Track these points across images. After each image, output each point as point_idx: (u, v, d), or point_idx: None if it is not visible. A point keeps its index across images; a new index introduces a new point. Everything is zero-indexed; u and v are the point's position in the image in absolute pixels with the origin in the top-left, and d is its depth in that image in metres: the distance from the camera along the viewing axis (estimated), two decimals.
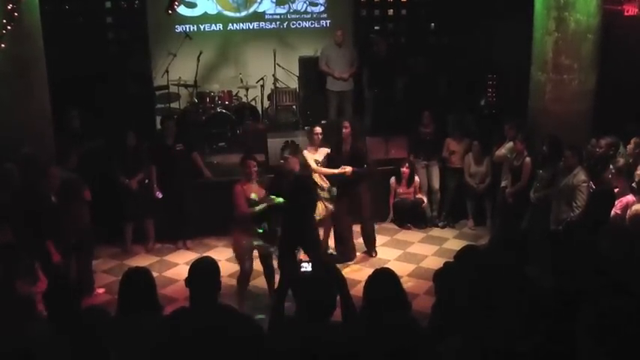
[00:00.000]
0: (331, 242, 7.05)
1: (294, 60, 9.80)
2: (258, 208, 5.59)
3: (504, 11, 8.69)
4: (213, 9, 9.89)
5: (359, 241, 7.21)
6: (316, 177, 6.72)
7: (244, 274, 5.75)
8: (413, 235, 7.73)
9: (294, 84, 9.84)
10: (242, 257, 5.72)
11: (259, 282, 6.12)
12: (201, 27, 9.83)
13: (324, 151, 6.82)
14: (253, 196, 5.64)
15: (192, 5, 9.78)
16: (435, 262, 6.50)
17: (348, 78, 8.98)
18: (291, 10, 10.17)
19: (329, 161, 6.78)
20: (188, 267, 3.21)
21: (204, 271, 3.15)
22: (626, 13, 7.52)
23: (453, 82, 9.41)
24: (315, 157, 6.78)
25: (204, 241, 7.48)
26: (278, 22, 10.14)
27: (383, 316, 3.03)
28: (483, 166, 7.70)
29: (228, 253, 7.14)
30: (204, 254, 6.36)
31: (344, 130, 6.80)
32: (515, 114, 7.40)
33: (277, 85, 9.63)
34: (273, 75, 9.54)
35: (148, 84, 9.40)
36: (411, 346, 2.61)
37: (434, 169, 7.97)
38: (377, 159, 8.04)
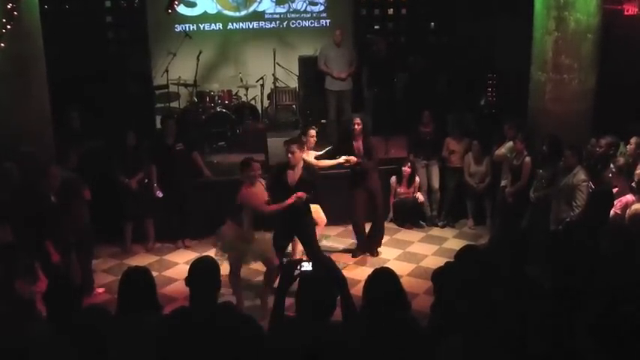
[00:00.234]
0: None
1: (294, 59, 9.81)
2: None
3: (504, 11, 8.70)
4: (212, 8, 9.89)
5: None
6: None
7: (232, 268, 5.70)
8: (413, 235, 7.73)
9: (293, 83, 9.84)
10: (228, 250, 5.66)
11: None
12: (201, 26, 9.84)
13: (313, 154, 6.76)
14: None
15: (192, 4, 9.78)
16: (434, 262, 6.50)
17: (346, 78, 8.97)
18: (291, 10, 10.17)
19: (331, 159, 6.75)
20: (188, 266, 3.21)
21: (204, 271, 3.15)
22: (626, 13, 7.52)
23: (452, 82, 9.41)
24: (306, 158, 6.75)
25: (204, 241, 7.46)
26: (278, 22, 10.14)
27: (383, 316, 3.03)
28: (483, 165, 7.70)
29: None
30: (204, 253, 6.39)
31: (356, 127, 6.75)
32: (515, 113, 7.40)
33: (277, 84, 9.63)
34: (273, 74, 9.55)
35: (147, 83, 9.40)
36: (411, 346, 2.61)
37: (434, 169, 7.97)
38: (378, 158, 8.05)
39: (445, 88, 9.45)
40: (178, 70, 9.25)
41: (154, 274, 3.46)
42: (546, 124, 6.83)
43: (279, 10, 10.13)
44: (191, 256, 6.69)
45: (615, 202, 5.15)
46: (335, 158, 6.66)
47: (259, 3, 10.04)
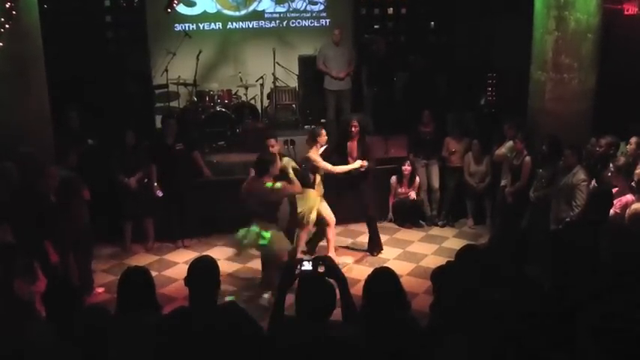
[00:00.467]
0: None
1: (294, 59, 9.80)
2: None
3: (504, 10, 8.69)
4: (212, 8, 9.88)
5: (359, 240, 7.20)
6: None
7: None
8: (412, 234, 7.73)
9: (293, 83, 9.84)
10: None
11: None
12: (201, 26, 9.83)
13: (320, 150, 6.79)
14: (269, 185, 5.70)
15: (192, 4, 9.77)
16: (434, 261, 6.49)
17: (345, 77, 8.97)
18: (291, 9, 10.17)
19: (324, 159, 6.74)
20: (187, 266, 3.20)
21: (203, 270, 3.14)
22: (626, 12, 7.52)
23: (452, 81, 9.40)
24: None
25: (204, 240, 7.48)
26: (277, 21, 10.14)
27: (382, 316, 3.02)
28: (483, 165, 7.69)
29: (228, 252, 7.15)
30: (204, 253, 6.39)
31: (353, 129, 6.76)
32: (514, 113, 7.39)
33: (277, 83, 9.62)
34: (273, 74, 9.54)
35: (147, 83, 9.39)
36: (411, 345, 2.60)
37: (433, 168, 7.96)
38: (376, 158, 8.04)
39: (445, 88, 9.45)
40: (178, 69, 9.24)
41: (154, 273, 3.46)
42: (546, 123, 6.82)
43: (279, 9, 10.12)
44: (191, 255, 6.68)
45: (615, 202, 5.14)
46: (331, 157, 6.67)
47: (259, 2, 10.03)
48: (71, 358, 2.92)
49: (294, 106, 9.68)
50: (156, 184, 7.08)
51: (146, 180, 7.08)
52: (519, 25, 7.46)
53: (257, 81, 9.53)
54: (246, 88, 9.48)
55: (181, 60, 9.25)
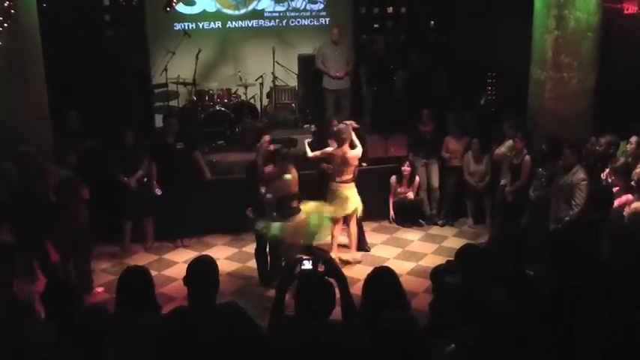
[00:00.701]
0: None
1: (293, 58, 9.79)
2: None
3: (504, 9, 8.68)
4: (212, 7, 9.86)
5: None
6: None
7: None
8: (412, 234, 7.73)
9: (293, 82, 9.83)
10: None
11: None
12: (200, 25, 9.81)
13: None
14: (287, 176, 5.86)
15: (191, 3, 9.74)
16: (434, 261, 6.48)
17: (343, 76, 8.96)
18: (291, 8, 10.15)
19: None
20: (187, 265, 3.20)
21: (202, 270, 3.14)
22: (625, 12, 7.51)
23: (452, 80, 9.39)
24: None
25: (203, 240, 7.47)
26: (277, 20, 10.12)
27: (382, 315, 3.01)
28: (483, 164, 7.69)
29: (227, 251, 7.16)
30: (203, 253, 6.39)
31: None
32: (514, 112, 7.39)
33: (276, 83, 9.61)
34: (272, 73, 9.53)
35: (146, 82, 9.38)
36: (410, 345, 2.60)
37: (433, 168, 7.96)
38: (376, 157, 8.05)
39: (445, 87, 9.44)
40: (177, 68, 9.22)
41: (153, 273, 3.46)
42: (546, 122, 6.82)
43: (279, 8, 10.11)
44: (190, 255, 6.68)
45: (615, 201, 5.14)
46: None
47: (258, 1, 10.01)
48: (71, 357, 2.92)
49: (293, 105, 9.67)
50: (155, 182, 7.07)
51: (145, 179, 7.08)
52: (519, 24, 7.46)
53: (256, 80, 9.52)
54: (246, 88, 9.47)
55: (181, 59, 9.24)
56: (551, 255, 4.01)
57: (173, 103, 9.48)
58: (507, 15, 8.49)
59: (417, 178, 7.89)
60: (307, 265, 3.12)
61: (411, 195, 7.84)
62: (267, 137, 6.51)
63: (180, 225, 7.36)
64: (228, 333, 2.97)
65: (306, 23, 10.21)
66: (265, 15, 10.07)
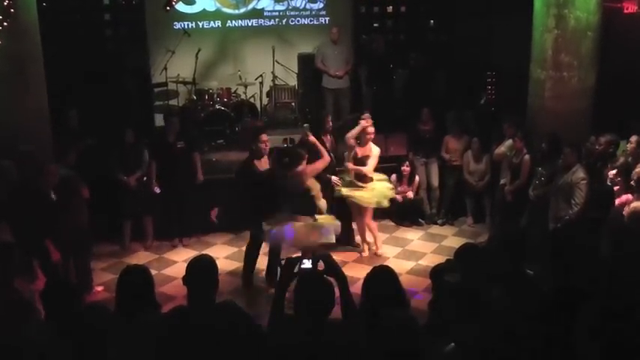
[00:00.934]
0: None
1: (293, 57, 9.79)
2: None
3: (503, 8, 8.68)
4: (211, 6, 9.86)
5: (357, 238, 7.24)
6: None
7: None
8: (412, 233, 7.72)
9: (292, 81, 9.83)
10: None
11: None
12: (200, 24, 9.81)
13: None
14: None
15: (191, 2, 9.75)
16: (433, 260, 6.48)
17: (343, 76, 8.96)
18: (290, 7, 10.15)
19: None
20: (186, 265, 3.20)
21: (201, 269, 3.14)
22: (625, 11, 7.51)
23: (452, 80, 9.40)
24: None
25: (203, 239, 7.47)
26: (277, 19, 10.12)
27: (382, 314, 3.01)
28: (482, 163, 7.69)
29: (227, 250, 7.16)
30: (203, 252, 6.40)
31: (328, 125, 6.89)
32: (514, 111, 7.39)
33: (276, 82, 9.61)
34: (272, 72, 9.53)
35: (146, 81, 9.38)
36: (410, 344, 2.60)
37: (433, 167, 7.96)
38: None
39: (444, 86, 9.45)
40: (177, 67, 9.22)
41: (153, 272, 3.45)
42: (546, 122, 6.82)
43: (278, 7, 10.11)
44: (190, 254, 6.67)
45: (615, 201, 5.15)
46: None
47: (258, 0, 10.01)
48: (70, 357, 2.92)
49: (293, 104, 9.67)
50: (154, 181, 7.08)
51: (145, 178, 7.08)
52: (519, 23, 7.45)
53: (256, 79, 9.52)
54: (246, 87, 9.47)
55: (180, 58, 9.24)
56: (550, 254, 4.01)
57: (173, 102, 9.48)
58: (507, 14, 8.48)
59: (417, 177, 7.89)
60: (307, 264, 3.12)
61: (411, 194, 7.85)
62: (264, 136, 6.31)
63: (180, 224, 7.36)
64: (228, 332, 2.97)
65: (305, 22, 10.21)
66: (265, 14, 10.07)
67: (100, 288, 6.19)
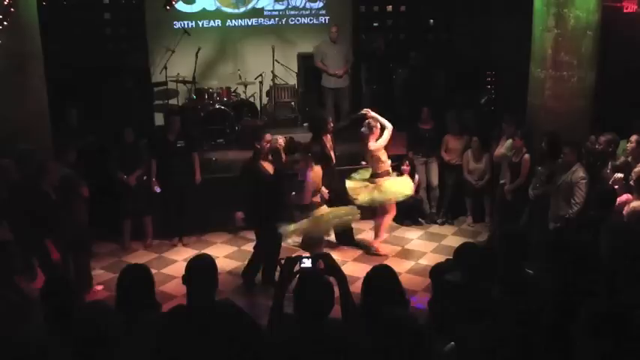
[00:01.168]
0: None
1: (293, 56, 9.80)
2: None
3: (503, 7, 8.68)
4: (211, 5, 9.87)
5: (360, 237, 7.24)
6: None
7: None
8: (411, 232, 7.73)
9: (292, 80, 9.83)
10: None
11: None
12: (200, 23, 9.81)
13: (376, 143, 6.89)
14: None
15: (191, 1, 9.75)
16: (433, 259, 6.48)
17: (342, 74, 8.95)
18: (290, 7, 10.15)
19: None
20: (186, 264, 3.20)
21: (201, 269, 3.14)
22: (625, 10, 7.51)
23: (451, 79, 9.40)
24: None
25: (203, 238, 7.48)
26: (277, 19, 10.12)
27: (381, 313, 3.02)
28: (482, 162, 7.69)
29: (227, 250, 7.16)
30: (203, 251, 6.40)
31: (330, 126, 6.96)
32: (514, 111, 7.39)
33: (276, 81, 9.61)
34: (272, 71, 9.53)
35: (146, 80, 9.38)
36: (410, 343, 2.60)
37: (433, 166, 7.96)
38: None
39: (444, 85, 9.44)
40: (177, 67, 9.23)
41: (153, 271, 3.44)
42: (545, 121, 6.82)
43: (278, 6, 10.11)
44: (189, 253, 6.68)
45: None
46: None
47: (258, 0, 10.01)
48: (70, 356, 2.92)
49: (293, 103, 9.67)
50: (154, 179, 7.08)
51: (145, 177, 7.08)
52: (518, 22, 7.46)
53: (256, 78, 9.52)
54: (245, 86, 9.47)
55: (180, 57, 9.25)
56: (550, 254, 4.01)
57: (173, 101, 9.49)
58: (507, 13, 8.48)
59: (417, 176, 7.88)
60: (307, 263, 3.12)
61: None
62: (267, 136, 6.28)
63: (180, 223, 7.36)
64: (227, 332, 2.97)
65: (305, 22, 10.21)
66: (265, 13, 10.08)
67: (99, 287, 6.19)
